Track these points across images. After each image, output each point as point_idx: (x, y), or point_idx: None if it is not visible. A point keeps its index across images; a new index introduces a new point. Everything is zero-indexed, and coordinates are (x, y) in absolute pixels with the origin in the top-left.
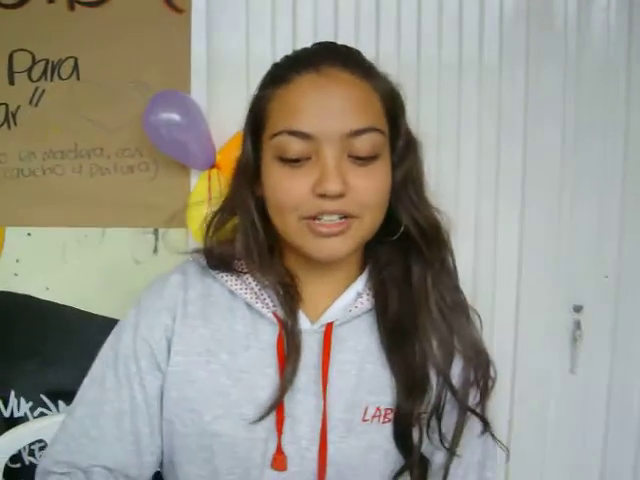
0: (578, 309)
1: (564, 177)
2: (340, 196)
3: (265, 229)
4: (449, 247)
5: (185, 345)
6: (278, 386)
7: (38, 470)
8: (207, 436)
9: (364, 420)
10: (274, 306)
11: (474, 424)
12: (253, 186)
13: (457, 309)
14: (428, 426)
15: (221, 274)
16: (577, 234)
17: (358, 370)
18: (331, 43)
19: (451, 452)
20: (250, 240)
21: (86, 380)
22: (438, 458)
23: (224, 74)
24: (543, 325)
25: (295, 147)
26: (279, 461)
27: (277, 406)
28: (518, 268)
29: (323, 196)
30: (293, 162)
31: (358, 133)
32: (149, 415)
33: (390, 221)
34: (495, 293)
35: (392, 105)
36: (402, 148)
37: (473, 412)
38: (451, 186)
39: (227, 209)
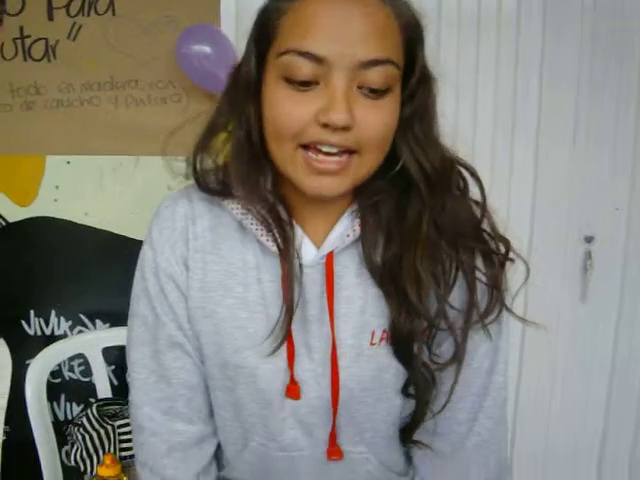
0: (589, 240)
1: (579, 115)
2: (344, 129)
3: (261, 152)
4: (454, 191)
5: (199, 280)
6: (286, 317)
7: (135, 419)
8: (229, 368)
9: (372, 344)
10: (273, 236)
11: (480, 333)
12: (253, 103)
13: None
14: (429, 341)
15: (227, 200)
16: (590, 167)
17: (363, 294)
18: None
19: (458, 360)
20: (244, 158)
21: (130, 321)
22: (445, 375)
23: (252, 7)
24: (555, 255)
25: (304, 69)
26: (292, 390)
27: (287, 337)
28: (532, 200)
29: (326, 126)
30: (300, 85)
31: (373, 64)
32: (191, 343)
33: (390, 157)
34: (508, 224)
35: (412, 36)
36: (415, 84)
37: (483, 324)
38: (469, 128)
39: (219, 124)
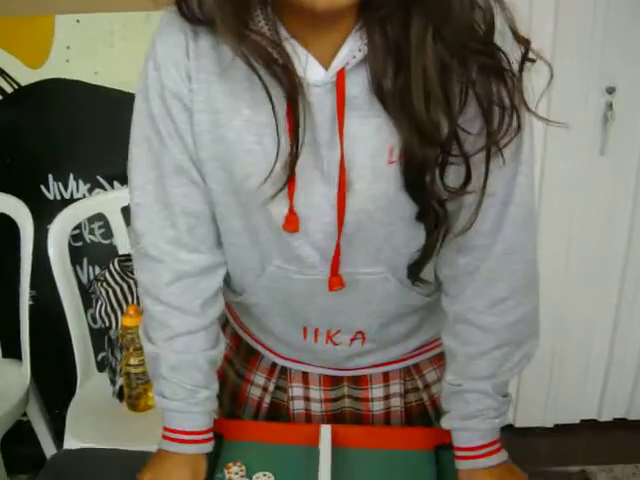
0: (611, 91)
1: None
2: None
3: None
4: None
5: (204, 102)
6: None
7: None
8: (241, 194)
9: (390, 162)
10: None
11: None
12: None
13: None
14: (442, 171)
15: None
16: (612, 17)
17: (378, 111)
18: None
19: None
20: None
21: (132, 150)
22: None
23: None
24: (574, 106)
25: None
26: (291, 222)
27: (295, 162)
28: (552, 50)
29: None
30: None
31: None
32: (197, 169)
33: None
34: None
35: None
36: None
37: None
38: None
39: None
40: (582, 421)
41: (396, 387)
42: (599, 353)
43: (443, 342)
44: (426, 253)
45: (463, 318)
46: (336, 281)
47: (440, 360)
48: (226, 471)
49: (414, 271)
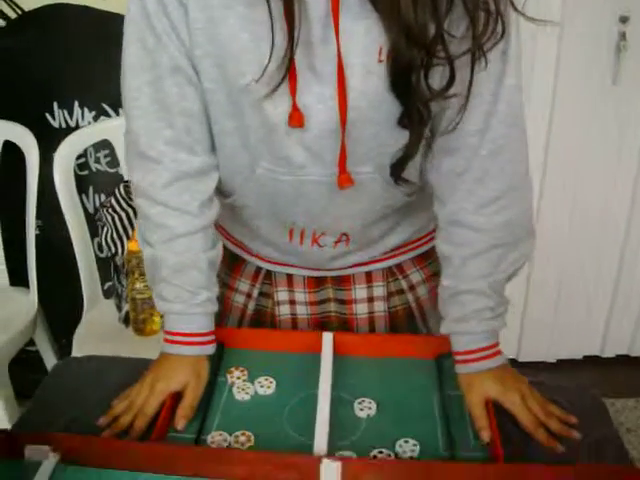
0: (624, 20)
1: None
2: None
3: None
4: None
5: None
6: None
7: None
8: (234, 93)
9: (380, 60)
10: None
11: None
12: None
13: None
14: (427, 72)
15: None
16: None
17: (368, 12)
18: None
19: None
20: None
21: (125, 50)
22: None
23: None
24: (587, 35)
25: None
26: (296, 118)
27: (290, 60)
28: None
29: None
30: None
31: None
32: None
33: None
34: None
35: None
36: None
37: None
38: None
39: None
40: (585, 357)
41: (379, 290)
42: (604, 290)
43: (437, 249)
44: (408, 151)
45: (455, 220)
46: (345, 179)
47: (424, 261)
48: (228, 376)
49: (397, 170)
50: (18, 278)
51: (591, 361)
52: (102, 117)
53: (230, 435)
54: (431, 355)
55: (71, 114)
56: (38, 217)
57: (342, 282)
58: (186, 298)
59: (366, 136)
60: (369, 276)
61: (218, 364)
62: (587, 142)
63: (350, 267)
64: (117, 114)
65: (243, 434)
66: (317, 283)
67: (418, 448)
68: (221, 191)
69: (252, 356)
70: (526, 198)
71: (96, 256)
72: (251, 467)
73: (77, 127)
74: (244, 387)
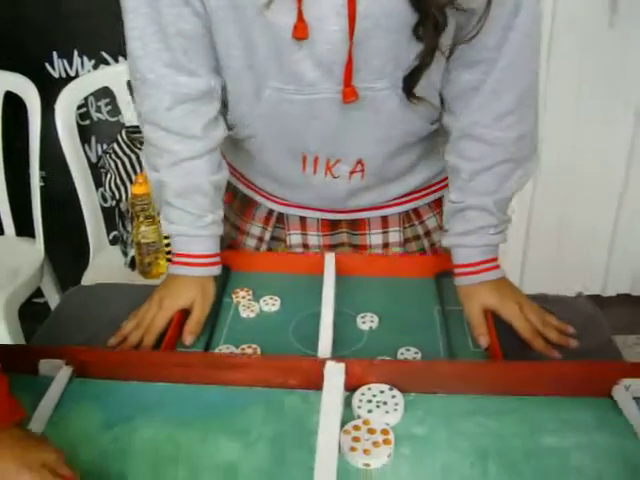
0: None
1: None
2: None
3: None
4: None
5: None
6: None
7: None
8: (239, 6)
9: None
10: None
11: None
12: None
13: None
14: None
15: None
16: None
17: None
18: None
19: None
20: None
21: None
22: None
23: None
24: None
25: None
26: (300, 29)
27: None
28: None
29: None
30: None
31: None
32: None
33: None
34: None
35: None
36: None
37: None
38: None
39: None
40: (586, 296)
41: (396, 235)
42: (605, 229)
43: (446, 161)
44: (422, 60)
45: (469, 134)
46: (350, 92)
47: (440, 206)
48: (234, 296)
49: (410, 82)
50: (24, 228)
51: (592, 299)
52: (102, 65)
53: (237, 348)
54: (430, 273)
55: (71, 63)
56: (42, 168)
57: (357, 226)
58: (191, 221)
59: (380, 47)
60: (385, 221)
61: (224, 286)
62: (584, 85)
63: (365, 210)
64: (117, 62)
65: (249, 347)
66: (331, 226)
67: (419, 355)
68: (228, 123)
69: (257, 278)
70: (534, 113)
71: (101, 207)
72: (256, 371)
73: (77, 76)
74: (249, 305)
